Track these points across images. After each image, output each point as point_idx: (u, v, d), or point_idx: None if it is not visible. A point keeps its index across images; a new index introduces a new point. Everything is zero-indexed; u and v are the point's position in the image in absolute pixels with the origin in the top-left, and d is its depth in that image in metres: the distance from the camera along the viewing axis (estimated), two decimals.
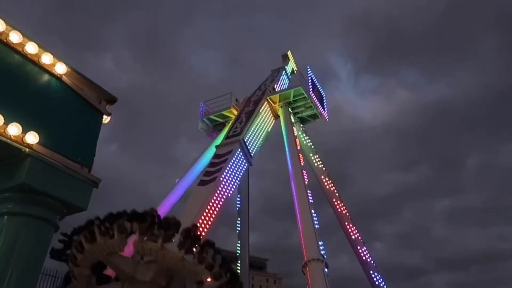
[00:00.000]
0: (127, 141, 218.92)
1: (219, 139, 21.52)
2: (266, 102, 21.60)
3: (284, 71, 25.55)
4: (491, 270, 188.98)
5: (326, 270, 12.31)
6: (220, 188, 16.31)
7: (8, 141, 3.03)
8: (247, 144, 19.04)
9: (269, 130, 21.80)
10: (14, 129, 3.04)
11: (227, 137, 19.56)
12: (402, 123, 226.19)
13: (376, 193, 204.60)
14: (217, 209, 16.15)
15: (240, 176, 17.95)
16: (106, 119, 3.85)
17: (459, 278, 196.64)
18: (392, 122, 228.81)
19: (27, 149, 3.10)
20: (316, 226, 14.26)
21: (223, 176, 16.48)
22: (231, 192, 17.58)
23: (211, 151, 20.68)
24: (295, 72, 27.76)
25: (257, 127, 20.49)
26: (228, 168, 16.80)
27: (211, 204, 15.72)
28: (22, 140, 3.09)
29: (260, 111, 20.93)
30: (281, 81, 24.13)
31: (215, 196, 15.97)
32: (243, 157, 18.44)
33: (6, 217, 3.09)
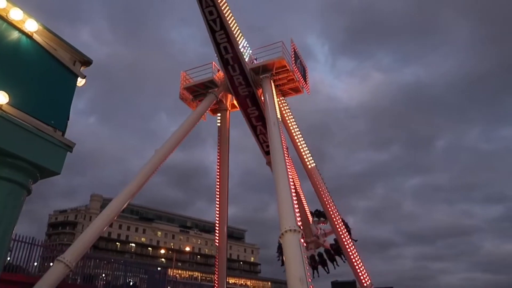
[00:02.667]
0: (106, 113, 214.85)
1: (200, 112, 21.33)
2: (262, 95, 21.54)
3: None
4: (456, 244, 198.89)
5: (302, 240, 12.56)
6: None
7: None
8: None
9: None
10: None
11: (266, 152, 22.17)
12: (377, 104, 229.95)
13: (351, 170, 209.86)
14: None
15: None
16: (80, 82, 3.70)
17: (426, 251, 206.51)
18: (367, 102, 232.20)
19: None
20: (294, 198, 14.48)
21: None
22: None
23: (190, 122, 20.51)
24: None
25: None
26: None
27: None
28: None
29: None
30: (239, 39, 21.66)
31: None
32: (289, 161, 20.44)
33: None
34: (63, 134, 3.42)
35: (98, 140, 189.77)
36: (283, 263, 17.32)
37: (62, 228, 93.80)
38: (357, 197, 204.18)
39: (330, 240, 26.76)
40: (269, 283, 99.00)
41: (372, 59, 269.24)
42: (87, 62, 3.78)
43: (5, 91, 3.01)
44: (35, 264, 17.15)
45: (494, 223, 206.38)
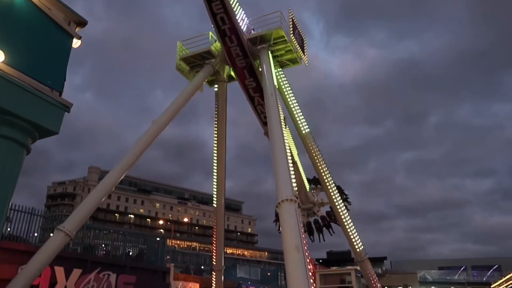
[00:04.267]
0: (102, 89, 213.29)
1: (197, 84, 21.12)
2: (259, 66, 21.32)
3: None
4: (446, 216, 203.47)
5: (298, 210, 12.73)
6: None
7: None
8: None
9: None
10: None
11: (264, 123, 21.74)
12: (371, 80, 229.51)
13: (345, 145, 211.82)
14: None
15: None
16: (76, 43, 3.66)
17: (417, 223, 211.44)
18: (361, 79, 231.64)
19: None
20: (290, 167, 14.58)
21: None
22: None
23: (187, 93, 20.37)
24: None
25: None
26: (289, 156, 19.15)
27: None
28: None
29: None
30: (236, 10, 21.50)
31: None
32: (287, 132, 20.85)
33: None
34: (60, 94, 3.42)
35: (94, 115, 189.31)
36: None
37: (61, 199, 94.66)
38: (350, 171, 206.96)
39: (326, 210, 27.19)
40: (266, 253, 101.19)
41: (366, 36, 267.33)
42: (82, 23, 3.72)
43: (1, 50, 2.98)
44: (35, 234, 17.37)
45: (484, 196, 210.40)
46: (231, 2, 19.66)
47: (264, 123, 21.69)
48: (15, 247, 13.99)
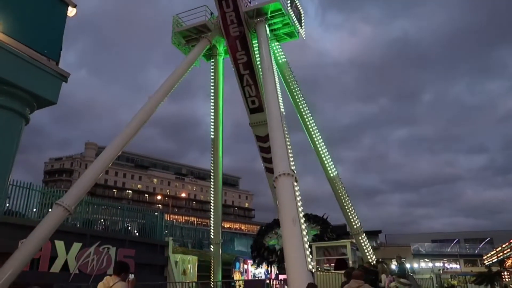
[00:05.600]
0: (96, 66, 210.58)
1: (192, 58, 20.84)
2: (252, 39, 20.88)
3: None
4: (439, 191, 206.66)
5: (295, 183, 12.85)
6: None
7: None
8: None
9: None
10: None
11: (250, 110, 20.64)
12: (366, 58, 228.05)
13: (340, 123, 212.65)
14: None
15: None
16: (71, 11, 3.57)
17: (410, 198, 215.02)
18: (356, 56, 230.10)
19: None
20: (288, 143, 14.63)
21: None
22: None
23: (184, 67, 20.14)
24: None
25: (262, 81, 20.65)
26: None
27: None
28: None
29: (257, 62, 20.41)
30: None
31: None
32: None
33: None
34: (57, 64, 3.38)
35: (89, 92, 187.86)
36: None
37: (59, 175, 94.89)
38: (345, 148, 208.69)
39: None
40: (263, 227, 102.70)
41: (361, 12, 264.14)
42: None
43: None
44: (34, 210, 17.45)
45: (476, 172, 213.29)
46: None
47: (251, 110, 21.22)
48: (15, 221, 14.11)
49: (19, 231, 13.58)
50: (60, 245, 15.31)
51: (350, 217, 23.69)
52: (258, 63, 20.82)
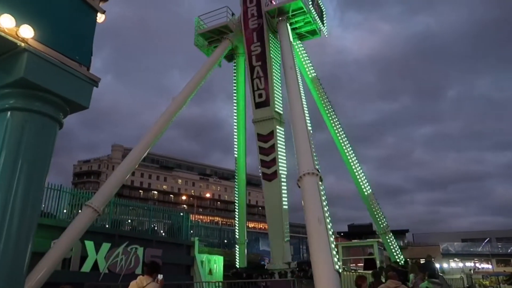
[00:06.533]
0: (121, 72, 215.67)
1: (215, 59, 21.00)
2: (270, 33, 20.95)
3: None
4: (466, 189, 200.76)
5: (320, 183, 12.73)
6: (283, 180, 19.51)
7: (2, 34, 2.90)
8: (278, 110, 19.72)
9: (280, 62, 21.53)
10: (7, 21, 2.88)
11: (256, 104, 20.52)
12: (386, 55, 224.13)
13: (361, 121, 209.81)
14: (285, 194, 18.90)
15: (285, 148, 19.92)
16: (100, 17, 3.67)
17: (437, 196, 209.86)
18: (376, 54, 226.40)
19: (23, 44, 2.99)
20: (311, 142, 14.53)
21: (280, 166, 18.47)
22: (286, 169, 19.44)
23: (206, 68, 20.32)
24: None
25: (276, 78, 20.62)
26: (279, 156, 18.70)
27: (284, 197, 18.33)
28: (16, 34, 2.96)
29: (271, 54, 20.46)
30: None
31: (284, 190, 19.36)
32: (281, 129, 19.74)
33: (9, 112, 3.09)
34: (88, 69, 3.46)
35: (115, 97, 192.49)
36: None
37: (87, 177, 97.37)
38: (368, 146, 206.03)
39: None
40: None
41: (380, 11, 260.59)
42: None
43: (30, 25, 3.02)
44: (64, 211, 17.94)
45: (505, 169, 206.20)
46: None
47: (256, 105, 20.85)
48: (47, 222, 14.54)
49: (51, 232, 14.01)
50: (90, 245, 15.69)
51: (377, 216, 23.31)
52: (272, 55, 20.81)
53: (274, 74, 20.54)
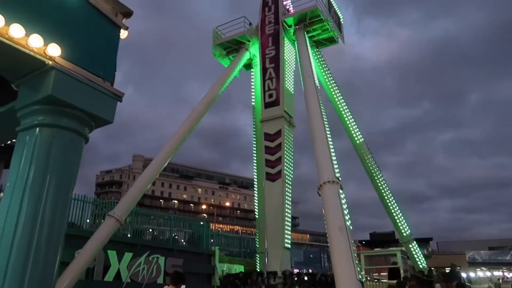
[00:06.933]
0: (141, 84, 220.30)
1: (233, 69, 21.20)
2: (284, 35, 21.07)
3: None
4: (492, 196, 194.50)
5: (341, 191, 12.61)
6: (287, 182, 18.80)
7: (31, 53, 3.03)
8: (288, 112, 19.54)
9: (294, 69, 21.55)
10: (36, 41, 3.01)
11: (265, 104, 20.30)
12: (405, 60, 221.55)
13: (381, 127, 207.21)
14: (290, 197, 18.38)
15: (292, 149, 19.42)
16: (123, 33, 3.78)
17: (461, 203, 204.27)
18: (394, 60, 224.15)
19: (50, 62, 3.11)
20: (331, 150, 14.43)
21: (285, 166, 18.03)
22: (292, 173, 19.03)
23: (225, 78, 20.51)
24: None
25: (288, 80, 20.56)
26: (285, 155, 18.29)
27: (287, 199, 17.78)
28: (44, 53, 3.09)
29: (285, 57, 20.56)
30: None
31: (287, 190, 17.90)
32: (290, 130, 19.45)
33: (38, 128, 3.21)
34: (112, 85, 3.56)
35: (135, 108, 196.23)
36: None
37: (109, 187, 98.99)
38: (388, 153, 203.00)
39: None
40: (308, 235, 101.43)
41: (397, 17, 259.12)
42: (128, 13, 3.83)
43: (57, 44, 3.13)
44: (88, 221, 18.25)
45: None
46: None
47: (266, 104, 20.67)
48: (71, 232, 14.81)
49: (75, 241, 14.24)
50: (112, 254, 15.88)
51: (399, 224, 22.87)
52: (285, 57, 20.87)
53: (286, 76, 20.52)
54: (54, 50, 3.09)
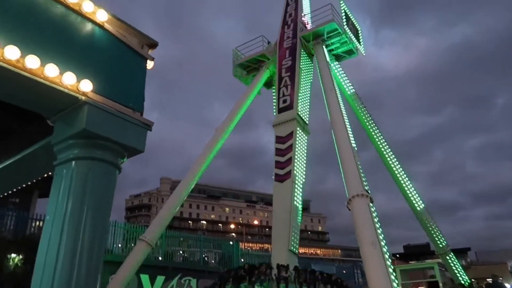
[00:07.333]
0: (165, 108, 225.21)
1: (254, 87, 21.40)
2: (301, 48, 21.14)
3: None
4: None
5: (371, 204, 12.34)
6: (297, 183, 17.83)
7: (66, 90, 3.18)
8: (301, 116, 19.33)
9: (312, 80, 21.49)
10: (69, 78, 3.17)
11: (279, 109, 20.07)
12: (425, 68, 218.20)
13: (405, 137, 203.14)
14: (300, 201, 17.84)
15: (305, 153, 18.95)
16: (149, 64, 3.92)
17: (497, 210, 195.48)
18: (414, 68, 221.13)
19: (83, 97, 3.25)
20: (358, 163, 14.18)
21: (296, 167, 17.54)
22: (304, 177, 18.59)
23: (246, 97, 20.69)
24: None
25: (303, 88, 20.47)
26: (296, 157, 17.83)
27: (296, 200, 17.17)
28: (77, 89, 3.23)
29: (301, 66, 20.56)
30: (305, 5, 23.61)
31: (296, 191, 17.36)
32: (302, 133, 19.09)
33: (73, 162, 3.34)
34: (141, 114, 3.67)
35: (161, 132, 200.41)
36: None
37: (138, 211, 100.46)
38: (415, 162, 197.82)
39: None
40: (339, 250, 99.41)
41: (414, 26, 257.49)
42: (153, 44, 3.97)
43: (88, 80, 3.27)
44: (119, 245, 18.51)
45: None
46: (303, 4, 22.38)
47: (280, 110, 20.27)
48: (105, 258, 15.04)
49: (109, 267, 14.46)
50: (145, 278, 16.01)
51: (434, 235, 22.07)
52: (302, 66, 20.76)
53: (302, 83, 20.29)
54: (87, 86, 3.24)
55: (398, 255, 51.79)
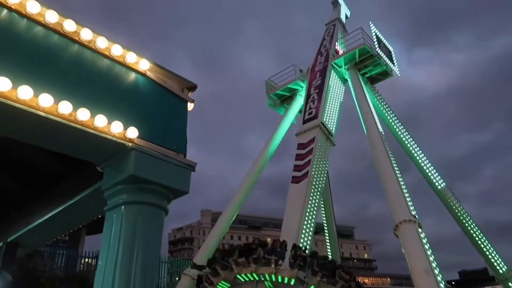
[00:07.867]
0: (203, 142, 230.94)
1: (289, 116, 21.54)
2: (332, 69, 21.13)
3: (339, 22, 24.80)
4: None
5: (420, 230, 11.83)
6: (314, 184, 16.62)
7: (114, 138, 3.35)
8: (326, 125, 19.00)
9: (341, 100, 21.34)
10: (117, 127, 3.36)
11: (304, 121, 19.83)
12: (465, 84, 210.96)
13: (451, 156, 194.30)
14: (316, 203, 16.75)
15: (327, 161, 18.16)
16: (190, 106, 4.06)
17: None
18: (453, 85, 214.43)
19: (130, 144, 3.41)
20: (403, 187, 13.71)
21: (314, 168, 16.71)
22: (323, 181, 17.80)
23: (281, 127, 20.80)
24: (348, 17, 27.32)
25: (331, 102, 20.27)
26: (316, 159, 17.07)
27: (310, 203, 16.01)
28: (124, 136, 3.40)
29: (330, 83, 20.57)
30: (339, 35, 24.08)
31: (312, 193, 16.36)
32: (326, 141, 18.56)
33: (123, 207, 3.47)
34: (184, 156, 3.77)
35: (199, 166, 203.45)
36: None
37: (181, 244, 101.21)
38: (464, 183, 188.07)
39: None
40: (388, 279, 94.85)
41: (449, 43, 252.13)
42: (193, 87, 4.14)
43: (134, 127, 3.42)
44: (164, 279, 18.65)
45: None
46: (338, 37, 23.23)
47: (305, 121, 19.83)
48: None
49: None
50: None
51: (492, 260, 20.65)
52: (330, 83, 20.57)
53: (329, 97, 19.90)
54: (133, 133, 3.41)
55: (454, 282, 48.69)
